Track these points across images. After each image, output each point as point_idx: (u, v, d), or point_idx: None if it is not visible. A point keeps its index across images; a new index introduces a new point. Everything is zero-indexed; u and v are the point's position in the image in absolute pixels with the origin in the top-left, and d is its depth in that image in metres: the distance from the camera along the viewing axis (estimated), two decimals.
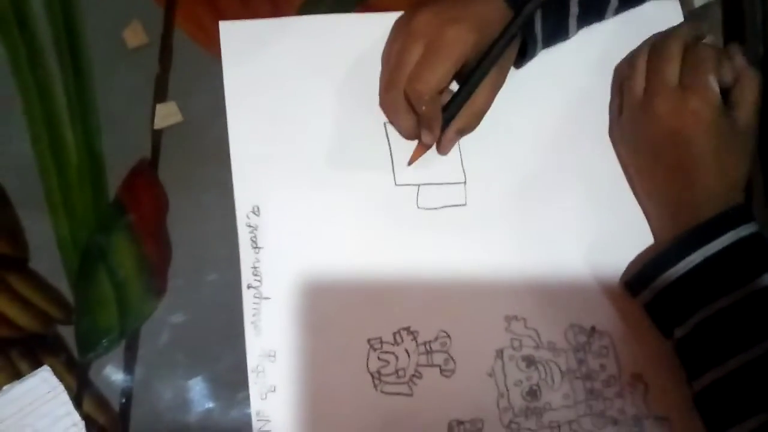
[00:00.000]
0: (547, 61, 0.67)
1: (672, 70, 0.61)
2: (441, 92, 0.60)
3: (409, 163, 0.64)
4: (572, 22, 0.65)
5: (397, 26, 0.62)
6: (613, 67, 0.68)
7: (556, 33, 0.65)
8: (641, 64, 0.63)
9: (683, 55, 0.61)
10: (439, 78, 0.58)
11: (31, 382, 0.58)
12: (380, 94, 0.64)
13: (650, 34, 0.65)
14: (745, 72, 0.61)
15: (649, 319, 0.62)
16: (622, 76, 0.65)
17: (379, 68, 0.65)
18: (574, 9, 0.64)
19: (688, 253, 0.58)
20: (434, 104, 0.59)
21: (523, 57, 0.65)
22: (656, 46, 0.63)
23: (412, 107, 0.60)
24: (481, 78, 0.60)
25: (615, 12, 0.67)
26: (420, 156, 0.64)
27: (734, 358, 0.56)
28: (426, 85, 0.58)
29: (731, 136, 0.60)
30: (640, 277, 0.61)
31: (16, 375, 0.59)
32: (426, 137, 0.62)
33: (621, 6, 0.66)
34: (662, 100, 0.60)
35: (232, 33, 0.65)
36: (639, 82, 0.62)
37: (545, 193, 0.65)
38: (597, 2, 0.65)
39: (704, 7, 0.69)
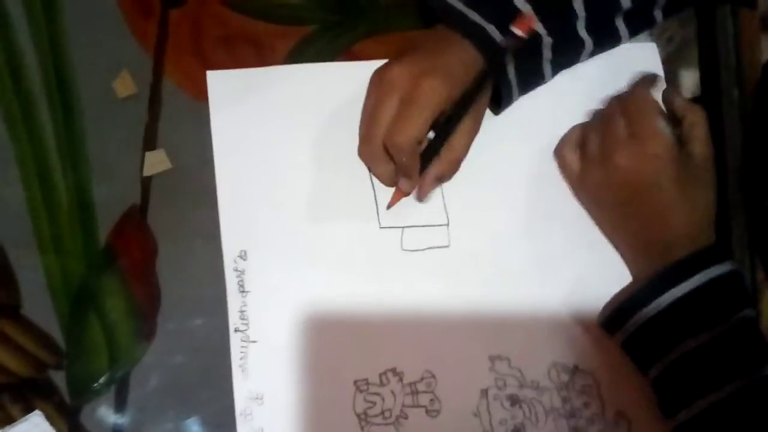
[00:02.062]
0: (528, 104, 0.68)
1: (618, 124, 0.62)
2: (419, 143, 0.61)
3: (388, 208, 0.65)
4: (546, 66, 0.66)
5: (374, 79, 0.63)
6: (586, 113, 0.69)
7: (531, 78, 0.66)
8: (588, 128, 0.65)
9: (623, 107, 0.63)
10: (416, 130, 0.59)
11: (22, 427, 0.59)
12: (359, 146, 0.65)
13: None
14: (688, 108, 0.63)
15: (628, 357, 0.63)
16: (571, 140, 0.66)
17: None
18: (547, 54, 0.65)
19: (659, 294, 0.59)
20: (412, 154, 0.60)
21: (499, 103, 0.66)
22: (594, 113, 0.66)
23: (390, 157, 0.61)
24: (455, 125, 0.61)
25: (590, 55, 0.68)
26: (398, 201, 0.65)
27: (704, 398, 0.57)
28: (404, 137, 0.59)
29: (692, 171, 0.61)
30: (614, 317, 0.62)
31: (8, 420, 0.59)
32: (404, 185, 0.63)
33: (596, 49, 0.68)
34: (620, 153, 0.61)
35: (220, 82, 0.67)
36: (592, 141, 0.64)
37: (527, 234, 0.66)
38: (570, 46, 0.66)
39: (680, 48, 0.71)
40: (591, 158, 0.64)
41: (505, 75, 0.64)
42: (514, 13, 0.61)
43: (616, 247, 0.66)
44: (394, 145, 0.60)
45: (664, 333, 0.59)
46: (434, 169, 0.63)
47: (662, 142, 0.61)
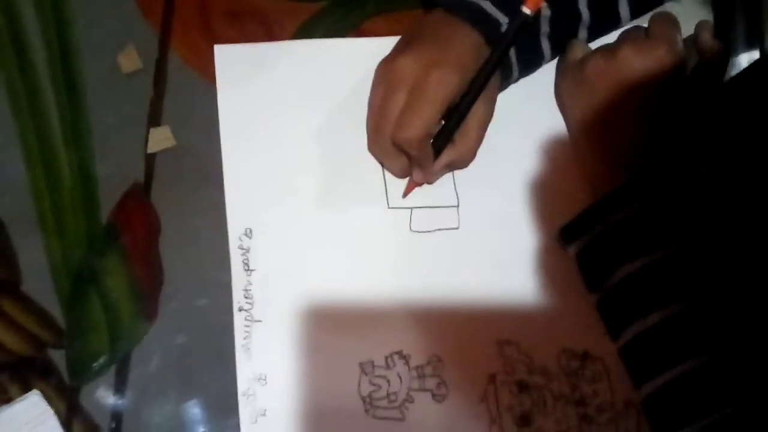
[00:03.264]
0: (543, 84, 0.68)
1: (638, 31, 0.64)
2: (430, 134, 0.60)
3: (404, 196, 0.64)
4: (544, 41, 0.65)
5: (380, 72, 0.62)
6: None
7: (530, 54, 0.65)
8: None
9: (650, 18, 0.64)
10: (426, 123, 0.58)
11: (20, 407, 0.58)
12: (368, 141, 0.64)
13: None
14: (714, 46, 0.63)
15: (578, 269, 0.62)
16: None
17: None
18: (545, 28, 0.64)
19: (630, 203, 0.59)
20: (424, 146, 0.60)
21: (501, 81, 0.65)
22: None
23: (400, 151, 0.61)
24: (466, 112, 0.60)
25: (589, 33, 0.67)
26: (412, 190, 0.64)
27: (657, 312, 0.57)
28: (414, 131, 0.58)
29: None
30: (571, 227, 0.61)
31: (6, 399, 0.58)
32: (417, 176, 0.63)
33: (595, 27, 0.66)
34: (629, 45, 0.62)
35: (227, 57, 0.66)
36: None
37: (538, 217, 0.65)
38: (568, 21, 0.65)
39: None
40: (598, 48, 0.64)
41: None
42: None
43: (582, 151, 0.66)
44: (404, 139, 0.59)
45: (624, 243, 0.59)
46: (447, 156, 0.62)
47: (672, 51, 0.61)
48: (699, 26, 0.64)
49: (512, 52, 0.63)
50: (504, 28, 0.60)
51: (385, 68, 0.61)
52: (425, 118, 0.58)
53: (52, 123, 0.64)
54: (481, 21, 0.60)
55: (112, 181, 0.63)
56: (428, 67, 0.58)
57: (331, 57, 0.67)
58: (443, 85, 0.58)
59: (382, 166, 0.65)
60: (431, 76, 0.58)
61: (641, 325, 0.57)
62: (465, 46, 0.60)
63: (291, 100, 0.66)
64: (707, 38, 0.63)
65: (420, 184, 0.64)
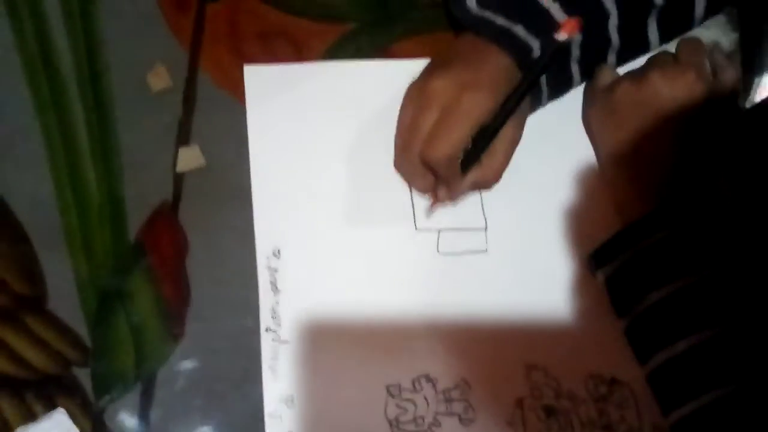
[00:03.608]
0: (572, 107, 0.68)
1: (667, 57, 0.64)
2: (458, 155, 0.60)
3: (428, 215, 0.64)
4: (574, 66, 0.65)
5: (411, 92, 0.62)
6: None
7: (560, 78, 0.65)
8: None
9: (678, 43, 0.65)
10: (456, 142, 0.59)
11: (45, 425, 0.58)
12: (395, 158, 0.65)
13: None
14: (726, 65, 0.64)
15: (607, 295, 0.62)
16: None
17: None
18: (575, 52, 0.64)
19: (659, 229, 0.59)
20: (452, 165, 0.60)
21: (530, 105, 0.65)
22: None
23: (428, 169, 0.61)
24: (495, 134, 0.60)
25: (618, 58, 0.67)
26: (437, 208, 0.64)
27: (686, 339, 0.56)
28: (444, 150, 0.58)
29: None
30: (601, 252, 0.61)
31: (31, 417, 0.58)
32: (443, 194, 0.63)
33: (624, 51, 0.66)
34: (658, 71, 0.62)
35: (257, 76, 0.66)
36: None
37: (567, 240, 0.65)
38: (598, 46, 0.65)
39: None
40: (627, 73, 0.64)
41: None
42: (541, 14, 0.61)
43: (611, 176, 0.65)
44: (434, 157, 0.59)
45: (653, 269, 0.59)
46: (473, 176, 0.62)
47: (700, 77, 0.62)
48: (711, 50, 0.65)
49: (542, 76, 0.63)
50: (535, 52, 0.60)
51: (417, 88, 0.61)
52: (456, 137, 0.58)
53: (81, 141, 0.64)
54: (512, 45, 0.60)
55: (140, 199, 0.63)
56: (461, 88, 0.58)
57: (360, 78, 0.67)
58: (475, 107, 0.58)
59: (408, 183, 0.65)
60: (464, 98, 0.58)
61: (669, 351, 0.57)
62: (497, 70, 0.60)
63: (320, 120, 0.66)
64: (721, 60, 0.64)
65: (444, 203, 0.64)
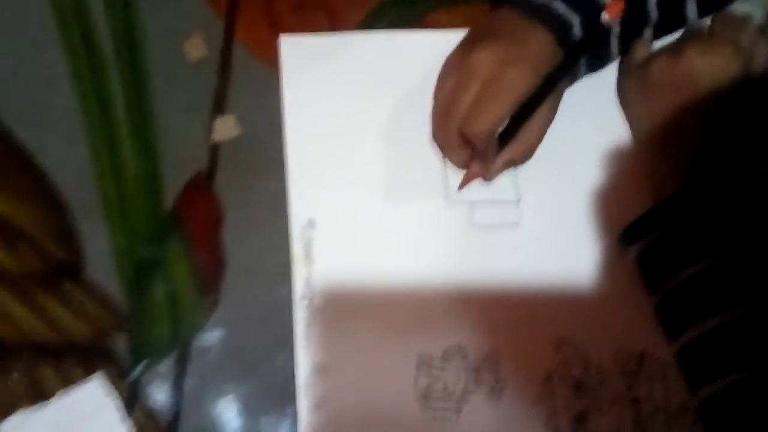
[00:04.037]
0: (607, 82, 0.67)
1: (703, 30, 0.63)
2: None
3: (459, 188, 0.64)
4: (614, 42, 0.64)
5: (451, 63, 0.62)
6: None
7: (600, 54, 0.64)
8: None
9: (713, 18, 0.64)
10: (498, 118, 0.58)
11: (82, 391, 0.59)
12: (433, 130, 0.64)
13: None
14: (760, 40, 0.63)
15: (638, 270, 0.61)
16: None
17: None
18: (616, 28, 0.63)
19: (692, 205, 0.58)
20: (490, 141, 0.60)
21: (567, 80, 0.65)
22: None
23: (465, 143, 0.61)
24: (533, 111, 0.60)
25: (652, 32, 0.66)
26: (469, 182, 0.64)
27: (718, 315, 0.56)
28: (485, 125, 0.58)
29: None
30: (639, 224, 0.61)
31: (69, 383, 0.59)
32: (477, 168, 0.62)
33: (659, 27, 0.65)
34: (694, 47, 0.61)
35: (292, 47, 0.66)
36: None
37: (599, 214, 0.65)
38: (638, 20, 0.64)
39: None
40: (662, 49, 0.63)
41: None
42: None
43: (645, 152, 0.65)
44: (474, 133, 0.59)
45: (687, 245, 0.58)
46: (507, 153, 0.62)
47: (737, 52, 0.61)
48: (745, 24, 0.64)
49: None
50: (575, 28, 0.60)
51: (458, 60, 0.61)
52: (497, 113, 0.58)
53: (118, 109, 0.64)
54: (551, 21, 0.60)
55: (176, 169, 0.63)
56: (503, 62, 0.58)
57: (395, 49, 0.67)
58: (518, 83, 0.58)
59: (444, 156, 0.65)
60: (506, 72, 0.58)
61: (701, 328, 0.57)
62: (539, 46, 0.59)
63: (355, 91, 0.66)
64: (754, 35, 0.63)
65: (478, 177, 0.64)
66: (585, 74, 0.65)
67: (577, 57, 0.58)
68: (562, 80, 0.61)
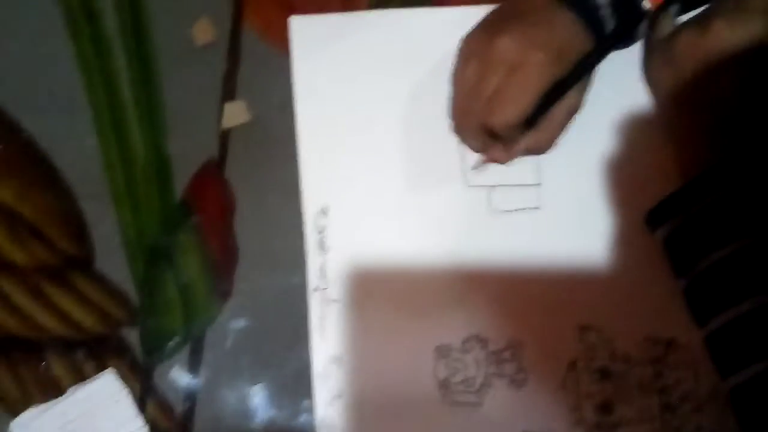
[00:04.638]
0: (631, 62, 0.64)
1: (730, 2, 0.59)
2: None
3: (474, 168, 0.63)
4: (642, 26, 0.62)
5: (471, 46, 0.59)
6: None
7: (626, 37, 0.62)
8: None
9: None
10: (522, 110, 0.56)
11: (96, 385, 0.58)
12: (454, 119, 0.62)
13: None
14: None
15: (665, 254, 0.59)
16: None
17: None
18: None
19: (721, 186, 0.56)
20: (514, 131, 0.58)
21: None
22: None
23: (487, 131, 0.59)
24: (558, 100, 0.58)
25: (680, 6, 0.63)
26: (487, 164, 0.62)
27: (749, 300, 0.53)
28: (509, 117, 0.56)
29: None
30: (665, 206, 0.58)
31: (81, 377, 0.59)
32: (496, 153, 0.61)
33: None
34: (723, 18, 0.58)
35: (303, 28, 0.64)
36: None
37: (621, 199, 0.63)
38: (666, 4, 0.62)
39: None
40: (687, 22, 0.60)
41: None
42: None
43: (672, 130, 0.62)
44: (498, 125, 0.57)
45: (715, 227, 0.56)
46: (527, 140, 0.60)
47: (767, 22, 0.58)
48: None
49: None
50: (603, 10, 0.57)
51: (480, 44, 0.58)
52: (522, 105, 0.56)
53: (125, 97, 0.63)
54: (577, 3, 0.57)
55: (186, 156, 0.62)
56: (528, 49, 0.56)
57: (410, 27, 0.64)
58: (543, 71, 0.56)
59: (464, 143, 0.63)
60: (531, 60, 0.56)
61: (731, 313, 0.55)
62: (565, 29, 0.57)
63: (368, 72, 0.64)
64: None
65: (496, 162, 0.62)
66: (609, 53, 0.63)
67: (610, 47, 0.56)
68: (591, 68, 0.58)
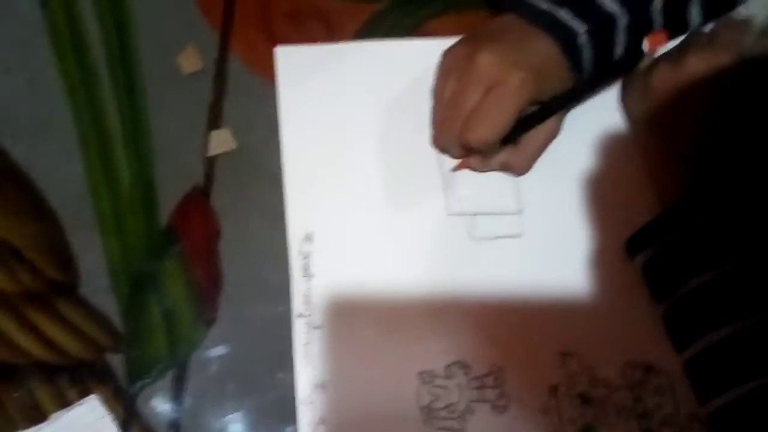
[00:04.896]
0: (610, 90, 0.66)
1: (704, 36, 0.61)
2: None
3: (453, 170, 0.63)
4: (619, 49, 0.63)
5: (453, 60, 0.60)
6: None
7: (603, 62, 0.63)
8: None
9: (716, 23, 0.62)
10: (500, 129, 0.57)
11: (79, 411, 0.58)
12: (434, 133, 0.63)
13: None
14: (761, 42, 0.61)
15: (644, 280, 0.60)
16: None
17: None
18: (620, 37, 0.62)
19: (699, 213, 0.57)
20: (491, 148, 0.59)
21: None
22: None
23: (464, 146, 0.60)
24: (538, 123, 0.59)
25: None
26: (463, 168, 0.63)
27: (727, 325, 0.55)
28: (484, 136, 0.57)
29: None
30: (645, 232, 0.59)
31: (65, 403, 0.58)
32: (473, 162, 0.62)
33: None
34: (695, 55, 0.60)
35: (288, 58, 0.65)
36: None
37: (603, 226, 0.64)
38: (641, 28, 0.62)
39: None
40: (663, 56, 0.62)
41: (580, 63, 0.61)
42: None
43: (649, 159, 0.64)
44: (474, 143, 0.58)
45: (694, 254, 0.57)
46: (503, 156, 0.61)
47: (738, 58, 0.59)
48: (746, 28, 0.62)
49: (588, 60, 0.61)
50: (580, 36, 0.59)
51: (461, 60, 0.59)
52: (499, 122, 0.57)
53: (112, 124, 0.64)
54: (556, 30, 0.59)
55: (172, 183, 0.63)
56: (509, 68, 0.57)
57: (393, 58, 0.66)
58: (523, 92, 0.57)
59: (441, 151, 0.64)
60: (512, 80, 0.57)
61: (710, 338, 0.56)
62: (544, 53, 0.58)
63: (352, 101, 0.65)
64: (755, 38, 0.62)
65: (471, 167, 0.63)
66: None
67: (594, 87, 0.57)
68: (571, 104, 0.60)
